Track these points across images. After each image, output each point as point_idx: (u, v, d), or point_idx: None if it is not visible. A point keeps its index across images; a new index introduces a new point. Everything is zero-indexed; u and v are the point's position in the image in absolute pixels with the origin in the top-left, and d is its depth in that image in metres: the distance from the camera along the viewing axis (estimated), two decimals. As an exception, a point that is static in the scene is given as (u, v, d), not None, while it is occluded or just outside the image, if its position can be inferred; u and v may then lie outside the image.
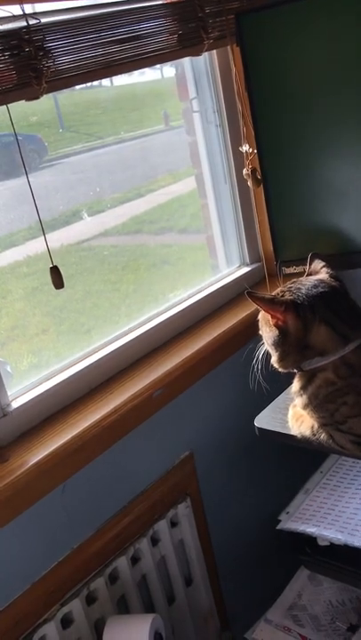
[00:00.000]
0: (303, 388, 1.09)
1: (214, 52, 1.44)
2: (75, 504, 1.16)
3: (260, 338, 1.13)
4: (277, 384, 1.22)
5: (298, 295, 1.05)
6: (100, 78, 1.21)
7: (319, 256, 1.15)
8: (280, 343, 1.05)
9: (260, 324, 1.12)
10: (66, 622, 1.14)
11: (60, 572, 1.13)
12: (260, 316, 1.12)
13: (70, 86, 1.16)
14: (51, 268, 1.07)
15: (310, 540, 1.28)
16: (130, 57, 1.18)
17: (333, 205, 1.37)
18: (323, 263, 1.13)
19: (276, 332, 1.05)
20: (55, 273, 1.07)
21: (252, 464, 1.56)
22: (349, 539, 1.20)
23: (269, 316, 1.06)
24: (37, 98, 1.06)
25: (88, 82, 1.21)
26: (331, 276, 1.10)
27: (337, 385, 1.05)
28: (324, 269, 1.12)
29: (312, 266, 1.15)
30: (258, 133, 1.39)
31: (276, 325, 1.05)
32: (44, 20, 1.03)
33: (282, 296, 1.07)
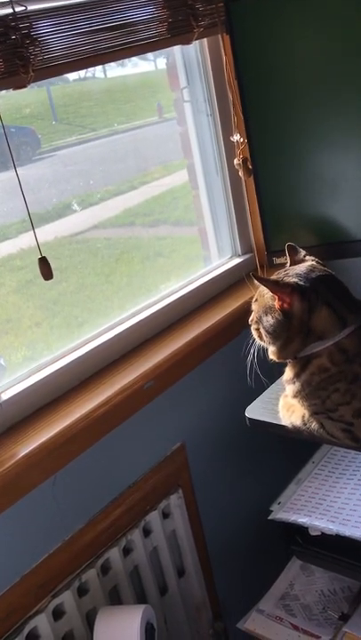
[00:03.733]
0: (297, 375, 1.09)
1: (205, 40, 1.43)
2: (66, 496, 1.16)
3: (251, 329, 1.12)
4: (269, 374, 1.21)
5: (299, 279, 1.06)
6: (89, 66, 1.20)
7: (295, 247, 1.16)
8: (284, 328, 1.05)
9: (255, 315, 1.11)
10: (57, 614, 1.14)
11: (51, 564, 1.13)
12: (255, 308, 1.12)
13: (59, 75, 1.15)
14: (39, 258, 1.07)
15: (302, 530, 1.28)
16: (119, 45, 1.18)
17: (324, 195, 1.37)
18: (304, 252, 1.14)
19: (281, 316, 1.05)
20: (44, 264, 1.07)
21: (243, 455, 1.56)
22: (341, 528, 1.21)
23: (273, 302, 1.06)
24: (25, 86, 1.05)
25: (77, 70, 1.20)
26: (317, 262, 1.11)
27: (330, 372, 1.05)
28: (308, 257, 1.12)
29: (294, 256, 1.15)
30: (248, 123, 1.38)
31: (282, 308, 1.05)
32: (30, 6, 1.02)
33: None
